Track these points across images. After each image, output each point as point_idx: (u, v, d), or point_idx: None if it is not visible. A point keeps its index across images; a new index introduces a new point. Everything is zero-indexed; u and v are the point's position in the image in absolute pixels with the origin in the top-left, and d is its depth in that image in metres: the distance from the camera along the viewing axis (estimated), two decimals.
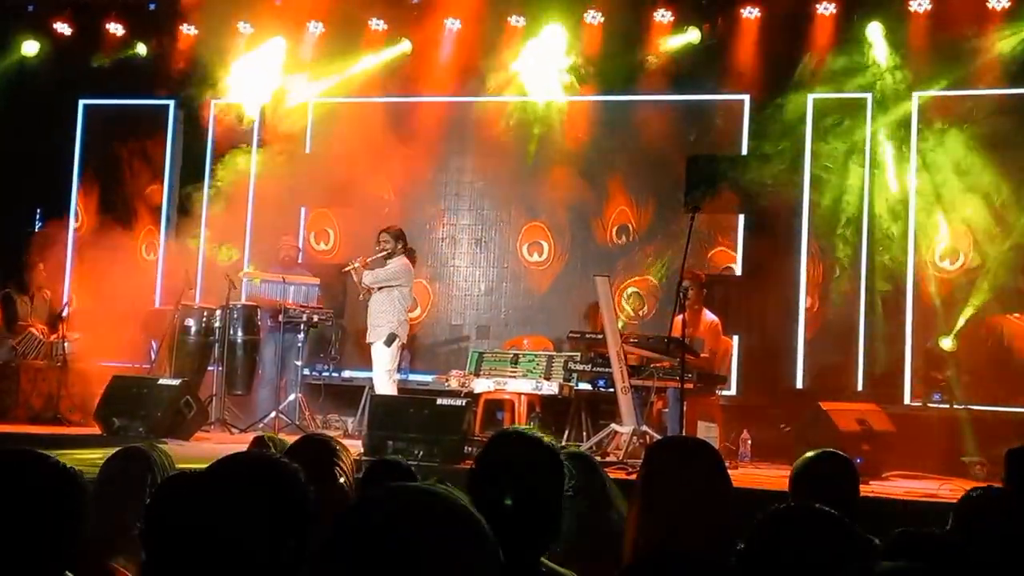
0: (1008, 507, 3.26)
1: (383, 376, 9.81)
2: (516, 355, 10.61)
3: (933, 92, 10.71)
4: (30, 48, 12.50)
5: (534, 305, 11.87)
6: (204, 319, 10.86)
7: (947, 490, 7.49)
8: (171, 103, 12.84)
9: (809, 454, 3.89)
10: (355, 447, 8.17)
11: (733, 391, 10.72)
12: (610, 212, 11.67)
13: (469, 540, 1.60)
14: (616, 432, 8.85)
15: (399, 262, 9.97)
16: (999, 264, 10.30)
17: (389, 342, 9.78)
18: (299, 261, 11.66)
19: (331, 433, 7.92)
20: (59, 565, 2.40)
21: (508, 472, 2.63)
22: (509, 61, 11.53)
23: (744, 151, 11.29)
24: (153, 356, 11.19)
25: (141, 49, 12.43)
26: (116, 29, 12.28)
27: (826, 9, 10.75)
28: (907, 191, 10.73)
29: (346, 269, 10.14)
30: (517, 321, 11.83)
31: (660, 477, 3.10)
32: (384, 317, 9.84)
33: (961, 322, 10.15)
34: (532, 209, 11.94)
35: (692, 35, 11.22)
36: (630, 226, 11.58)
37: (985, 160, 10.42)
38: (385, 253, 9.91)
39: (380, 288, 9.89)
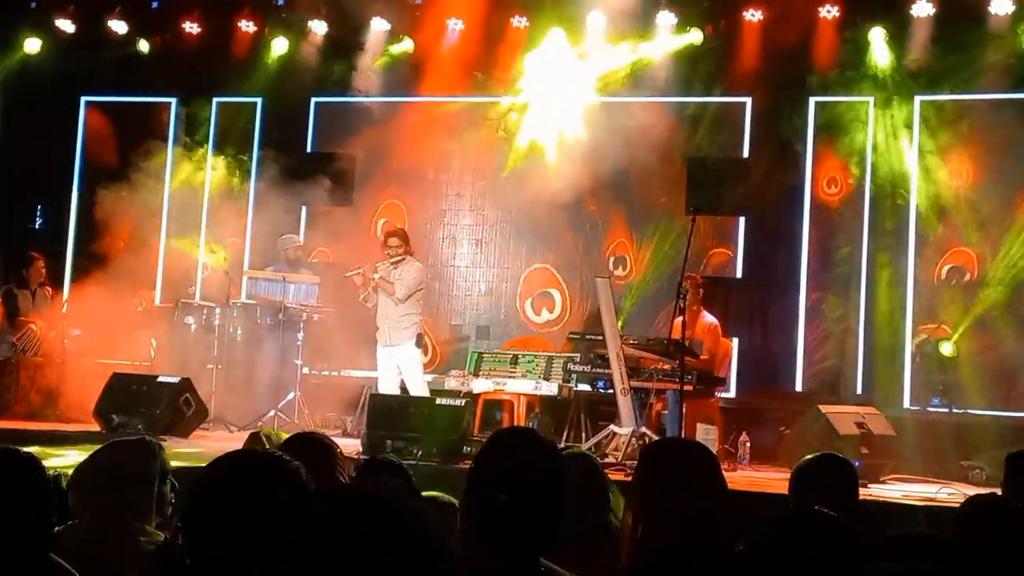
0: (1006, 513, 3.26)
1: (418, 377, 9.76)
2: (516, 355, 10.59)
3: (935, 96, 10.71)
4: (32, 45, 12.49)
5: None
6: (204, 317, 10.86)
7: (946, 494, 7.48)
8: (173, 100, 12.84)
9: (808, 457, 3.88)
10: (354, 446, 8.18)
11: (732, 393, 10.71)
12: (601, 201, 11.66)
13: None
14: (615, 433, 8.85)
15: (417, 266, 9.89)
16: (1003, 275, 10.30)
17: (419, 342, 9.80)
18: (303, 261, 11.57)
19: (330, 432, 7.94)
20: (34, 548, 2.50)
21: (507, 472, 2.61)
22: (512, 62, 11.51)
23: (746, 154, 11.29)
24: (152, 353, 11.18)
25: (143, 46, 12.42)
26: (118, 27, 12.26)
27: (828, 12, 10.75)
28: (908, 195, 10.72)
29: (348, 275, 9.95)
30: (516, 322, 11.83)
31: (654, 479, 3.09)
32: (410, 319, 9.76)
33: (961, 330, 10.13)
34: (533, 209, 11.90)
35: (694, 35, 11.20)
36: (626, 252, 11.54)
37: (988, 167, 10.43)
38: (399, 256, 9.77)
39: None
